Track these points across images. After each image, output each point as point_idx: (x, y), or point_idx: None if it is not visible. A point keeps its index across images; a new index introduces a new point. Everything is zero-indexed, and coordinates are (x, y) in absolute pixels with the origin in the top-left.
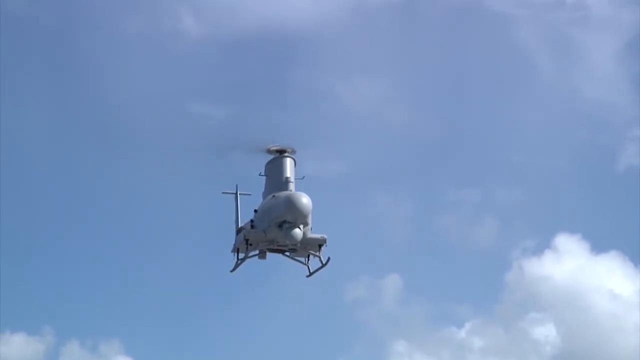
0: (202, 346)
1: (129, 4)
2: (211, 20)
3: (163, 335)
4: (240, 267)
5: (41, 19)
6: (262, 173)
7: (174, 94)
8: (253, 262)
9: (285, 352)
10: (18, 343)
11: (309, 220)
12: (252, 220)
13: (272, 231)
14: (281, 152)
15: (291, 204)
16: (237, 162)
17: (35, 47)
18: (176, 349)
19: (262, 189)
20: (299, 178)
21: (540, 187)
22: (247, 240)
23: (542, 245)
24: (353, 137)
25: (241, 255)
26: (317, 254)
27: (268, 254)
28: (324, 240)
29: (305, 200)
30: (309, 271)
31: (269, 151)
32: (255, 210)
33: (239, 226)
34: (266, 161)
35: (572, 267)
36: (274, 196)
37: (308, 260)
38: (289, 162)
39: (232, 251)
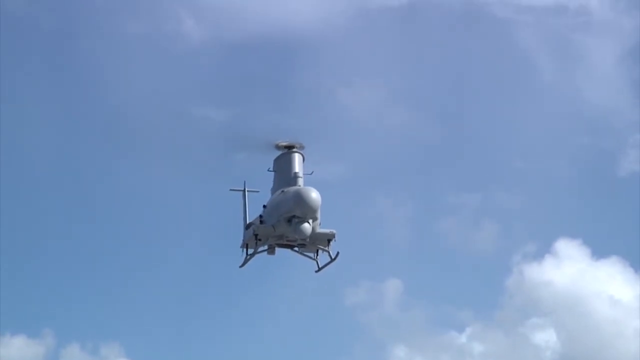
0: (202, 349)
1: (129, 6)
2: (212, 23)
3: (164, 338)
4: (249, 263)
5: (41, 19)
6: (271, 169)
7: (176, 96)
8: (261, 258)
9: (286, 354)
10: (18, 345)
11: (318, 215)
12: (261, 216)
13: (281, 226)
14: (289, 148)
15: (300, 199)
16: (243, 161)
17: (35, 48)
18: (178, 352)
19: (270, 187)
20: (308, 173)
21: (541, 192)
22: (256, 235)
23: (543, 250)
24: (354, 139)
25: (250, 251)
26: (326, 248)
27: (277, 249)
28: (333, 235)
29: (314, 195)
30: (318, 266)
31: (278, 147)
32: (264, 206)
33: (248, 222)
34: (274, 157)
35: (573, 272)
36: (283, 191)
37: (317, 255)
38: (297, 158)
39: (241, 247)
